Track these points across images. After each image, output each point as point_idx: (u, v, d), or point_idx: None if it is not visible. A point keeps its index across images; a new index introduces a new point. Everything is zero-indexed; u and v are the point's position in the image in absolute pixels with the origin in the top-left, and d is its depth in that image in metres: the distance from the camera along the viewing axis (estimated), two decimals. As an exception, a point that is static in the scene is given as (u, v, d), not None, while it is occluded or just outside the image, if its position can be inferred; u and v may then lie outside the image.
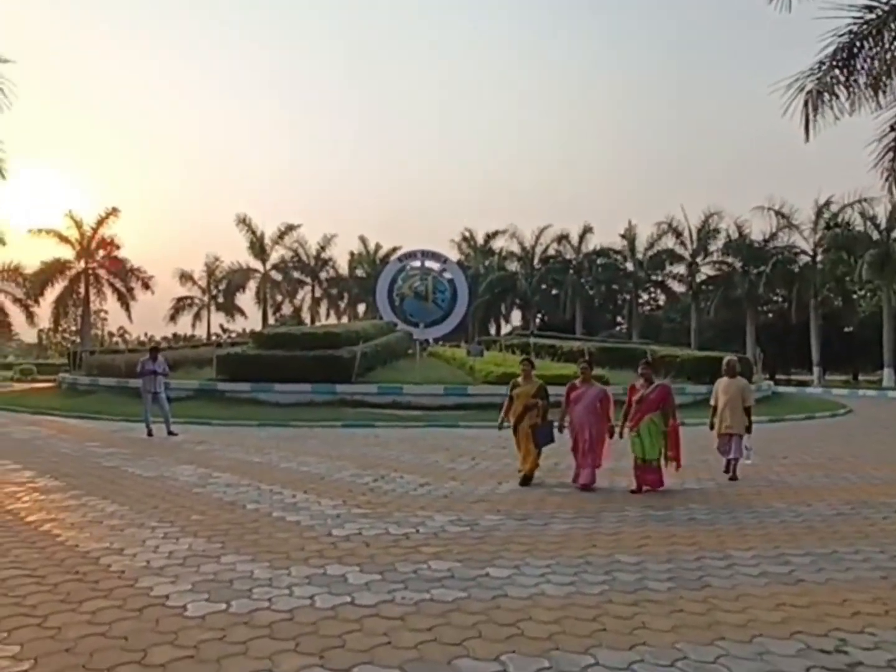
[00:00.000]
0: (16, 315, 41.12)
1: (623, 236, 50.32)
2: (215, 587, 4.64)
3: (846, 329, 49.87)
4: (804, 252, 43.32)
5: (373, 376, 21.31)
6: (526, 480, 8.59)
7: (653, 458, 8.30)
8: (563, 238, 51.14)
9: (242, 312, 52.54)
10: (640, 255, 49.43)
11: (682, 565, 5.32)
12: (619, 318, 63.34)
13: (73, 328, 62.95)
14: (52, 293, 43.03)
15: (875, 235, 39.26)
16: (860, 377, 52.71)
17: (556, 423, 8.78)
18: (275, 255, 50.20)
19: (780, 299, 51.45)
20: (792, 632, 4.03)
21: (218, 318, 54.55)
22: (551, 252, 52.41)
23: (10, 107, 11.44)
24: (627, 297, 55.92)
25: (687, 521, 6.89)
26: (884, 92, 11.94)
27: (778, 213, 42.50)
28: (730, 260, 46.41)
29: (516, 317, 57.95)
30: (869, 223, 39.71)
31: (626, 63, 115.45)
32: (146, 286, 45.32)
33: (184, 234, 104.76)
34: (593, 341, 30.10)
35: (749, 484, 8.93)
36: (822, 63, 11.22)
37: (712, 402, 9.66)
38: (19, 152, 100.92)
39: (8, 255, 54.04)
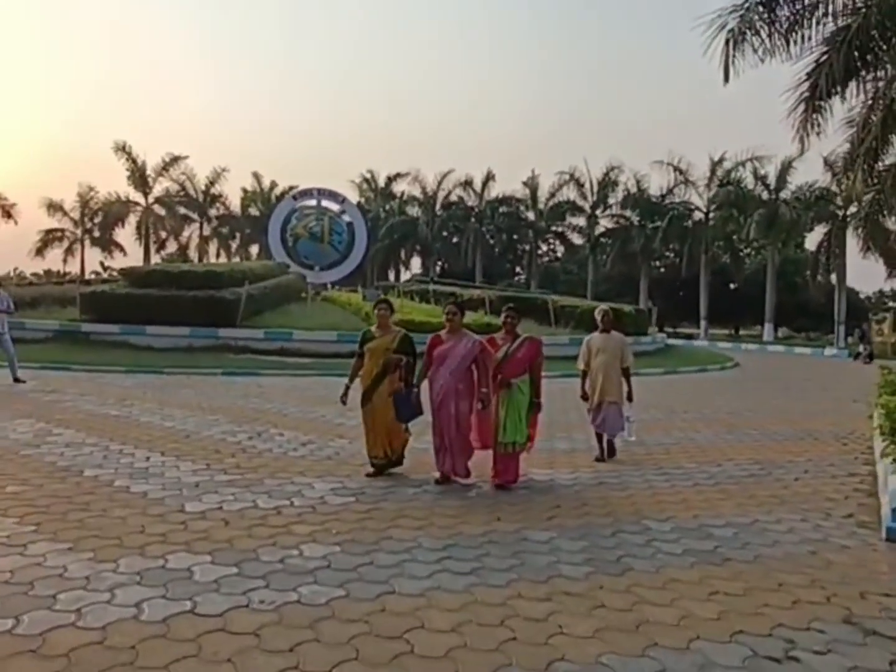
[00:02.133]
0: None
1: (526, 185, 49.85)
2: (6, 594, 3.49)
3: (731, 285, 52.03)
4: (698, 208, 44.37)
5: (260, 321, 19.83)
6: (384, 468, 6.27)
7: (517, 441, 6.06)
8: (466, 184, 50.07)
9: (122, 249, 48.55)
10: (541, 206, 49.21)
11: (598, 542, 4.62)
12: (517, 269, 63.51)
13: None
14: None
15: (765, 195, 40.59)
16: (741, 331, 55.48)
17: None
18: (158, 188, 46.31)
19: (673, 254, 52.90)
20: (732, 632, 3.37)
21: (94, 255, 50.35)
22: (454, 198, 51.33)
23: None
24: (527, 247, 55.93)
25: (597, 485, 6.25)
26: (800, 38, 11.57)
27: (676, 168, 43.09)
28: (628, 214, 46.97)
29: (416, 263, 56.88)
30: (759, 183, 41.00)
31: (537, 9, 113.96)
32: (7, 214, 40.93)
33: (54, 160, 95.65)
34: (494, 290, 29.58)
35: (656, 441, 8.48)
36: (747, 0, 10.63)
37: (581, 366, 7.48)
38: None
39: None
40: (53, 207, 45.84)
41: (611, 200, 47.03)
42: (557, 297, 28.36)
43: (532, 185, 49.35)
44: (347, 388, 6.34)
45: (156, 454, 6.76)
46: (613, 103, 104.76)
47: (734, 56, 10.81)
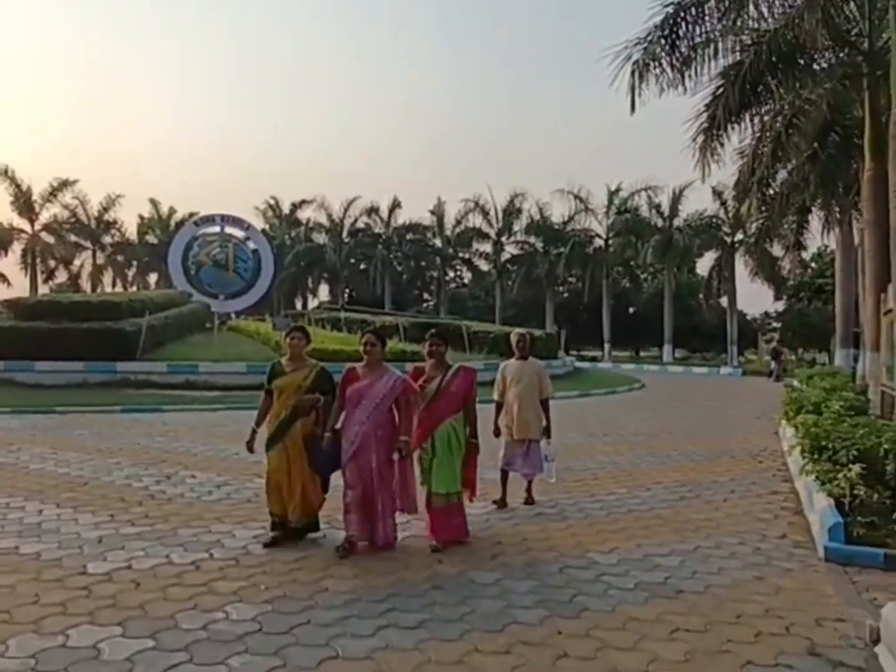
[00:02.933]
0: None
1: (432, 212, 50.24)
2: None
3: (631, 309, 54.05)
4: (598, 235, 45.96)
5: (162, 353, 18.74)
6: (294, 534, 5.10)
7: (452, 491, 5.15)
8: (372, 211, 49.90)
9: (5, 279, 45.11)
10: (448, 233, 49.67)
11: (547, 581, 4.39)
12: (426, 295, 63.71)
13: None
14: None
15: (659, 222, 42.55)
16: (641, 353, 57.61)
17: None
18: (46, 214, 43.56)
19: (575, 279, 54.51)
20: (703, 675, 3.20)
21: (-28, 286, 46.42)
22: (360, 225, 51.04)
23: None
24: (435, 273, 56.24)
25: (535, 516, 6.06)
26: (695, 72, 12.10)
27: (576, 196, 44.52)
28: (532, 240, 48.09)
29: (324, 291, 56.02)
30: (654, 211, 42.99)
31: (444, 37, 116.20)
32: None
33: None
34: (405, 316, 29.36)
35: (582, 466, 8.42)
36: (650, 33, 11.01)
37: (496, 397, 6.57)
38: None
39: None
40: (-76, 235, 42.13)
41: (515, 227, 48.04)
42: (470, 322, 28.51)
43: (438, 212, 49.81)
44: (254, 431, 5.23)
45: (49, 506, 6.04)
46: (516, 132, 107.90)
47: (640, 87, 11.15)
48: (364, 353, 4.98)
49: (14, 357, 16.41)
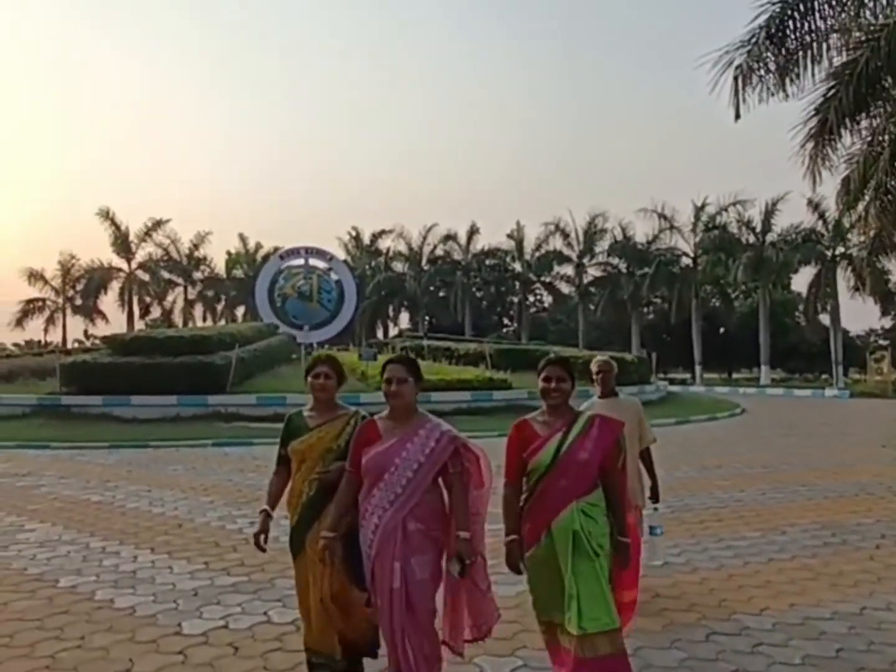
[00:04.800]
0: None
1: (511, 237, 49.86)
2: None
3: (722, 329, 51.84)
4: (685, 254, 44.41)
5: (251, 385, 18.91)
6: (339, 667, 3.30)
7: (605, 628, 2.84)
8: (450, 238, 49.96)
9: (105, 317, 47.45)
10: (527, 257, 49.14)
11: (695, 652, 3.76)
12: (506, 320, 63.22)
13: None
14: None
15: (750, 238, 40.69)
16: (734, 375, 55.07)
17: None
18: (142, 253, 45.73)
19: (661, 300, 52.80)
20: None
21: (77, 324, 49.18)
22: (439, 252, 51.15)
23: None
24: (515, 298, 55.72)
25: (660, 566, 5.39)
26: (797, 75, 11.26)
27: (661, 215, 43.26)
28: (615, 261, 46.94)
29: (404, 319, 56.35)
30: (744, 226, 41.16)
31: (517, 61, 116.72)
32: (-13, 286, 39.84)
33: (34, 230, 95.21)
34: (490, 343, 28.91)
35: (701, 504, 7.66)
36: (754, 34, 10.30)
37: None
38: None
39: None
40: (34, 276, 44.96)
41: (597, 249, 47.01)
42: (552, 347, 27.79)
43: (517, 236, 49.36)
44: (266, 517, 3.46)
45: (144, 551, 5.83)
46: (594, 152, 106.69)
47: (743, 92, 10.41)
48: (387, 394, 3.03)
49: (112, 392, 16.86)
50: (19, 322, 45.25)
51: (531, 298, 58.04)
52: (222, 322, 50.28)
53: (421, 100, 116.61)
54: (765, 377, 39.76)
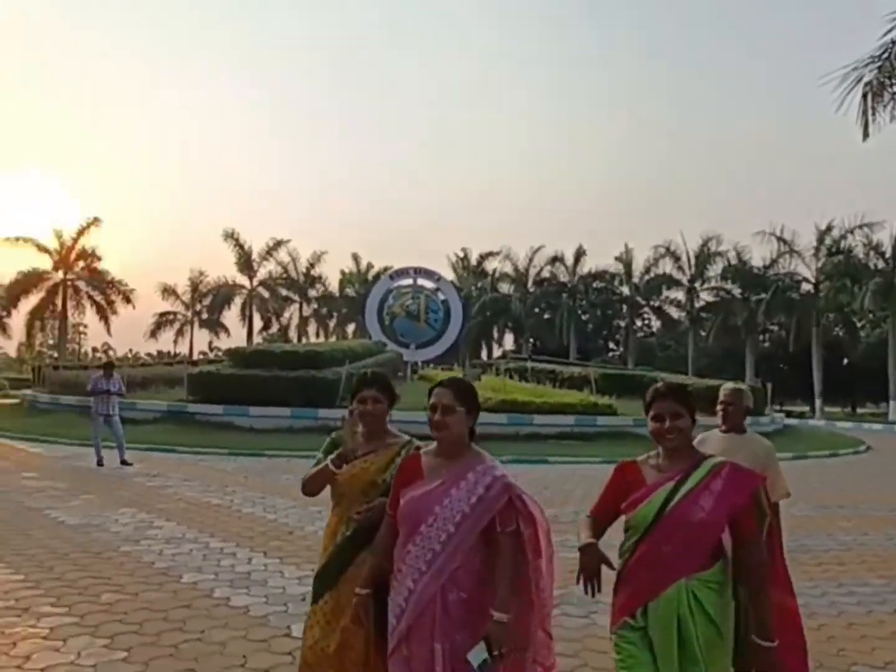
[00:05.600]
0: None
1: (619, 259, 48.98)
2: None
3: (845, 360, 48.56)
4: (806, 279, 42.08)
5: (359, 400, 19.49)
6: None
7: None
8: (557, 260, 49.74)
9: (227, 330, 50.52)
10: (636, 280, 48.08)
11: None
12: (611, 345, 61.96)
13: (51, 342, 60.76)
14: (27, 305, 40.97)
15: (880, 263, 38.04)
16: (858, 409, 51.35)
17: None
18: (262, 271, 48.59)
19: (778, 327, 50.14)
20: None
21: (203, 336, 52.60)
22: (545, 274, 51.07)
23: None
24: (622, 322, 54.60)
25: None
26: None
27: (779, 238, 41.29)
28: (729, 286, 45.11)
29: (509, 340, 56.39)
30: (872, 251, 38.55)
31: (624, 81, 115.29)
32: (127, 300, 43.27)
33: (168, 248, 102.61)
34: (595, 367, 28.45)
35: (821, 545, 7.23)
36: (886, 49, 9.75)
37: None
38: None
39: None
40: (167, 291, 48.65)
41: (710, 273, 45.43)
42: (660, 373, 26.98)
43: (626, 259, 48.46)
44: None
45: (258, 555, 6.17)
46: (706, 173, 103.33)
47: (874, 110, 9.86)
48: (432, 425, 2.46)
49: (233, 402, 17.86)
50: (153, 333, 48.99)
51: (639, 323, 56.71)
52: (334, 338, 52.20)
53: (528, 121, 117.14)
54: (893, 413, 36.82)
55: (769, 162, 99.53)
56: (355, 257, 53.92)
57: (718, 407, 3.71)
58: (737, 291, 44.54)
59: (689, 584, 2.25)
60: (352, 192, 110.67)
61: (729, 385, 3.83)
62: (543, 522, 2.42)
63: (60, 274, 42.20)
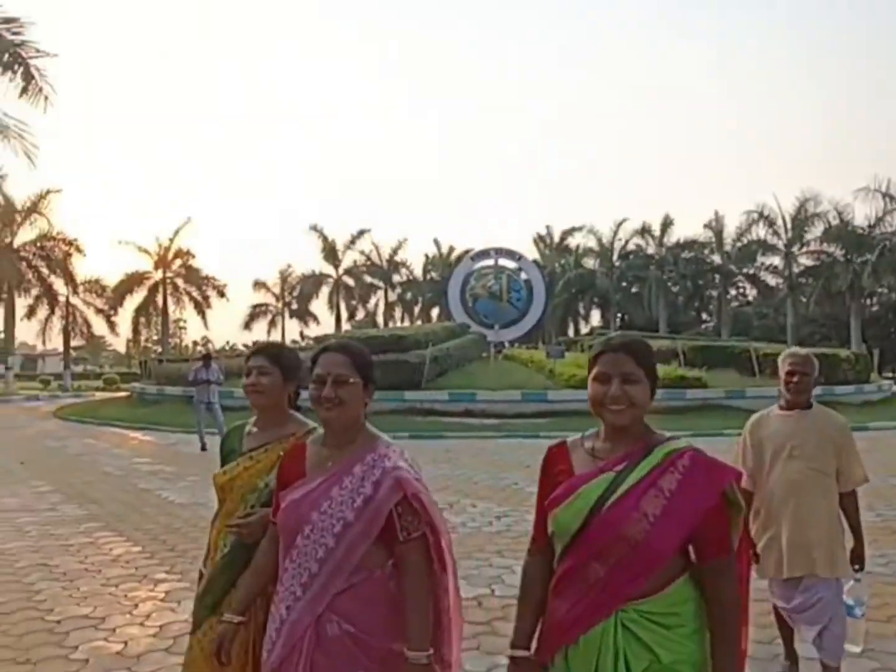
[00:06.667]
0: (99, 326, 42.18)
1: (708, 227, 47.22)
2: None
3: (966, 322, 45.21)
4: (916, 237, 39.29)
5: (444, 382, 19.85)
6: None
7: None
8: (643, 231, 48.53)
9: (316, 319, 52.42)
10: (727, 247, 46.26)
11: (890, 664, 3.54)
12: (704, 316, 59.95)
13: (155, 337, 64.53)
14: (131, 303, 43.81)
15: None
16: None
17: None
18: (347, 261, 49.93)
19: (888, 290, 47.12)
20: None
21: (293, 325, 54.67)
22: (631, 247, 49.96)
23: (52, 106, 10.74)
24: (714, 292, 52.70)
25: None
26: None
27: (885, 194, 38.69)
28: (830, 249, 42.68)
29: (595, 316, 55.61)
30: None
31: (709, 40, 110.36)
32: (221, 294, 45.57)
33: (258, 243, 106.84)
34: (683, 339, 27.73)
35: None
36: None
37: (746, 484, 3.12)
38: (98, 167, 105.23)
39: (89, 265, 55.77)
40: (259, 285, 50.94)
41: (808, 236, 43.09)
42: (758, 344, 25.98)
43: (716, 226, 46.66)
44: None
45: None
46: (799, 129, 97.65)
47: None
48: (319, 403, 1.90)
49: (323, 387, 18.57)
50: (247, 325, 51.42)
51: (732, 292, 54.54)
52: (419, 322, 53.03)
53: (621, 91, 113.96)
54: None
55: (871, 110, 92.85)
56: (436, 242, 54.45)
57: (783, 377, 3.20)
58: (839, 254, 42.10)
59: (624, 614, 1.59)
60: (434, 178, 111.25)
61: (797, 351, 3.33)
62: (445, 532, 1.89)
63: (160, 273, 44.83)
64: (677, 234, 48.45)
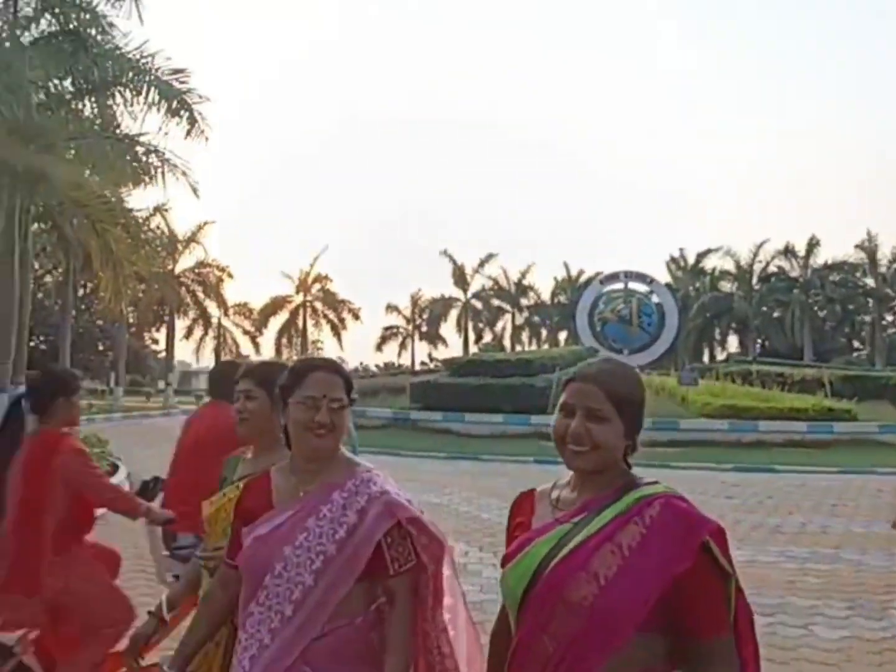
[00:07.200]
0: (246, 345, 45.46)
1: (860, 248, 43.94)
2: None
3: None
4: None
5: (570, 407, 19.70)
6: None
7: None
8: (787, 252, 45.88)
9: (445, 341, 53.67)
10: (882, 269, 42.79)
11: None
12: (856, 343, 55.49)
13: (295, 357, 68.29)
14: (275, 324, 46.88)
15: None
16: None
17: None
18: (475, 284, 51.13)
19: None
20: None
21: (422, 347, 56.24)
22: (772, 269, 47.32)
23: (206, 146, 12.01)
24: (867, 317, 48.76)
25: None
26: None
27: None
28: None
29: (733, 342, 52.93)
30: None
31: (853, 54, 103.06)
32: (356, 317, 47.77)
33: (390, 269, 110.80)
34: (832, 368, 25.88)
35: None
36: None
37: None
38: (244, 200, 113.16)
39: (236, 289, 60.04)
40: (391, 308, 53.09)
41: (982, 254, 39.12)
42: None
43: (869, 247, 43.40)
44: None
45: (474, 549, 6.71)
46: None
47: None
48: (314, 429, 1.65)
49: (450, 409, 19.01)
50: (379, 346, 53.77)
51: (889, 318, 50.26)
52: (546, 346, 52.81)
53: (752, 110, 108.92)
54: None
55: None
56: (566, 265, 54.18)
57: None
58: None
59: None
60: (558, 202, 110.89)
61: None
62: (449, 559, 1.77)
63: (300, 296, 47.63)
64: (824, 255, 45.45)
